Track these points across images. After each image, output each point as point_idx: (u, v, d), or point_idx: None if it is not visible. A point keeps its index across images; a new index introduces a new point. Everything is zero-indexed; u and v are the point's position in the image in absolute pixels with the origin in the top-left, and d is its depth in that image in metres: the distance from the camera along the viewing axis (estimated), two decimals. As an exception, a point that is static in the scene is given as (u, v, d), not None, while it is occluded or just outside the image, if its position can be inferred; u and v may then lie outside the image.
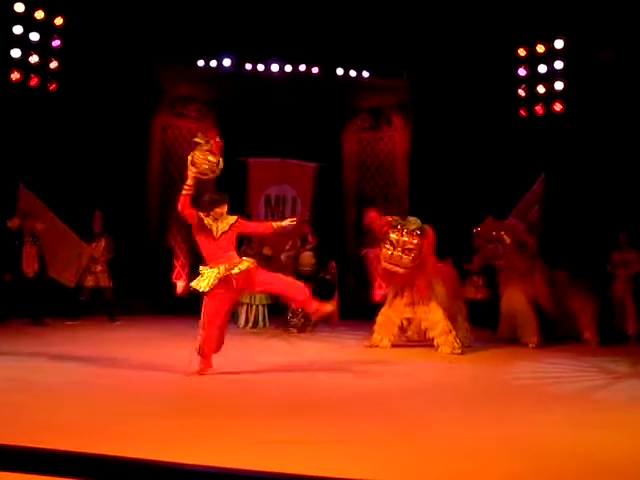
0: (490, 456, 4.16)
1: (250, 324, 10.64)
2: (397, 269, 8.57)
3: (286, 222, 7.02)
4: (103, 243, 10.99)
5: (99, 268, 10.92)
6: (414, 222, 8.70)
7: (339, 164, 14.00)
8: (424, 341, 8.95)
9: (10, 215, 10.48)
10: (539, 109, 12.27)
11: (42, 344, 8.33)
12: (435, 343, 8.60)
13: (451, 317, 8.85)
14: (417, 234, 8.55)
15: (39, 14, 11.64)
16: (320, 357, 8.01)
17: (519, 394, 6.21)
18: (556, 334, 9.79)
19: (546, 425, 4.94)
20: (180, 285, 13.39)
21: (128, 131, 12.46)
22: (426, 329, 8.71)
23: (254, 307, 10.70)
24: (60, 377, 6.26)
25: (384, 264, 8.69)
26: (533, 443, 4.41)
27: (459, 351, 8.40)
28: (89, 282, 10.88)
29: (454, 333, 8.58)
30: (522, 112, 12.47)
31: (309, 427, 4.73)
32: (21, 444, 3.73)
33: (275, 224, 7.09)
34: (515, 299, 9.39)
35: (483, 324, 10.19)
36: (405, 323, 8.95)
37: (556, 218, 10.78)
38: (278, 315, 10.90)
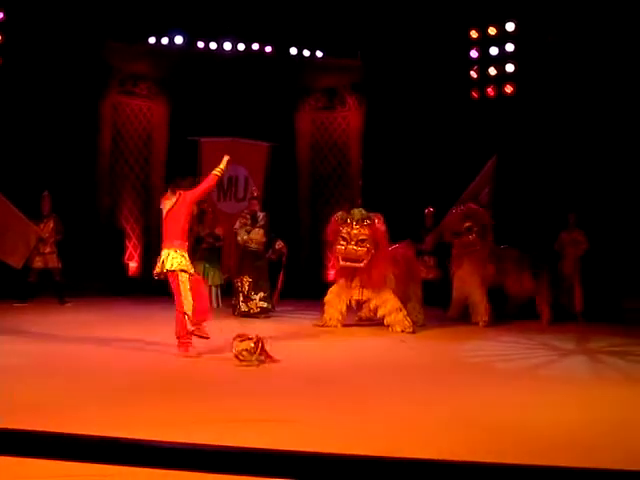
0: (433, 430, 4.25)
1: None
2: (356, 264, 8.60)
3: (224, 163, 7.04)
4: (52, 224, 10.78)
5: (47, 249, 10.72)
6: (359, 213, 8.77)
7: (293, 144, 13.96)
8: (376, 320, 9.04)
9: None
10: (490, 91, 12.40)
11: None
12: (385, 322, 8.70)
13: (405, 298, 8.96)
14: (366, 224, 8.62)
15: (-19, -14, 11.26)
16: (272, 336, 8.03)
17: (468, 371, 6.34)
18: (506, 311, 10.02)
19: (493, 401, 5.07)
20: (132, 266, 13.24)
21: (77, 110, 12.17)
22: (376, 307, 8.80)
23: (208, 288, 10.65)
24: (7, 360, 6.15)
25: (342, 262, 8.74)
26: (478, 418, 4.53)
27: (410, 329, 8.51)
28: (37, 263, 10.67)
29: (404, 312, 8.68)
30: (474, 94, 12.60)
31: (260, 406, 4.75)
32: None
33: (216, 171, 7.07)
34: (468, 278, 9.55)
35: (434, 304, 10.34)
36: (353, 303, 9.01)
37: (507, 199, 10.96)
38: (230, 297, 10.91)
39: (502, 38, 12.31)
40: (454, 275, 9.82)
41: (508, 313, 10.02)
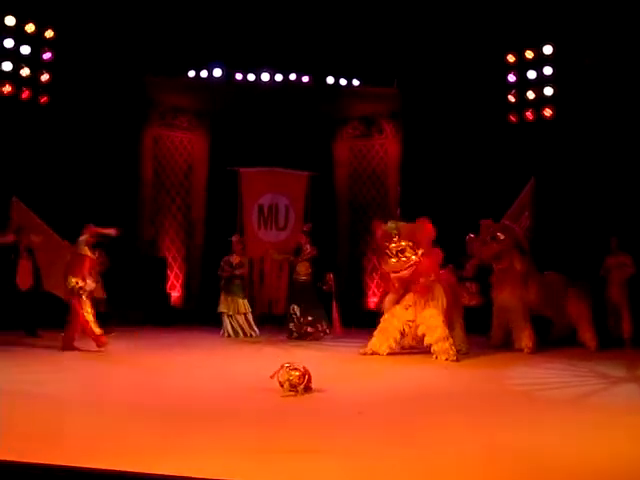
0: (480, 463, 4.18)
1: (232, 334, 10.83)
2: (402, 273, 8.75)
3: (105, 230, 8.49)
4: (96, 255, 10.96)
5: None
6: (390, 225, 8.98)
7: (331, 172, 14.03)
8: (419, 348, 8.97)
9: (3, 228, 10.49)
10: (529, 115, 12.33)
11: (39, 356, 8.33)
12: (432, 350, 8.63)
13: (449, 324, 8.89)
14: (396, 235, 8.80)
15: (30, 27, 11.64)
16: (316, 365, 8.02)
17: (514, 400, 6.23)
18: (550, 338, 9.85)
19: (541, 432, 4.97)
20: (174, 295, 13.38)
21: (119, 143, 12.44)
22: (423, 335, 8.74)
23: (236, 317, 10.94)
24: (58, 389, 6.25)
25: (393, 275, 8.89)
26: (528, 450, 4.43)
27: (454, 358, 8.43)
28: (83, 294, 10.84)
29: (451, 340, 8.61)
30: (512, 118, 12.53)
31: (304, 436, 4.73)
32: (10, 458, 3.73)
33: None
34: (508, 303, 9.43)
35: (477, 331, 10.23)
36: (406, 329, 8.94)
37: (546, 223, 10.83)
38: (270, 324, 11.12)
39: (540, 61, 12.26)
40: (494, 300, 9.71)
41: (552, 339, 9.85)
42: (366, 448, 4.47)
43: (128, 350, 9.20)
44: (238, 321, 10.95)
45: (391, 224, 9.02)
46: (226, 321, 10.94)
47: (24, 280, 10.48)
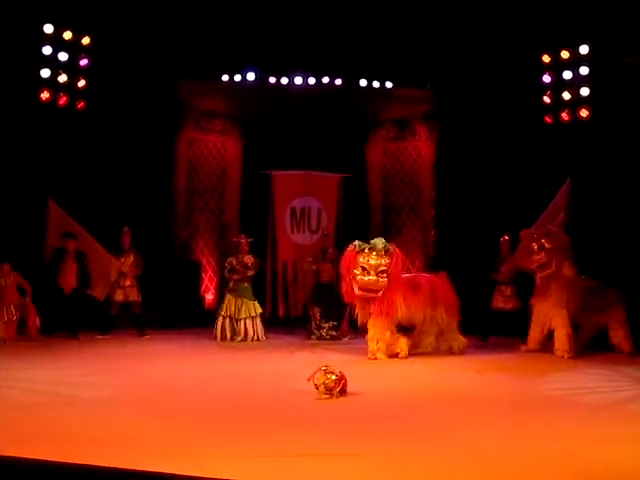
0: (518, 467, 4.13)
1: (228, 338, 10.67)
2: (373, 295, 8.63)
3: None
4: (132, 258, 11.13)
5: (128, 283, 11.07)
6: (381, 243, 8.78)
7: (364, 175, 14.01)
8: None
9: (41, 231, 10.72)
10: (565, 115, 12.15)
11: (75, 358, 8.47)
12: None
13: (430, 325, 9.01)
14: (386, 254, 8.66)
15: (67, 34, 11.82)
16: (350, 368, 8.01)
17: (550, 405, 6.15)
18: (585, 343, 9.68)
19: (578, 439, 4.88)
20: (208, 298, 13.48)
21: (154, 147, 12.58)
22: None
23: (240, 321, 10.76)
24: (94, 392, 6.34)
25: (360, 292, 8.69)
26: (563, 456, 4.37)
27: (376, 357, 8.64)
28: (119, 296, 11.03)
29: (385, 341, 8.76)
30: (547, 119, 12.37)
31: (330, 439, 4.72)
32: (57, 459, 3.79)
33: None
34: (553, 309, 9.20)
35: (513, 334, 10.13)
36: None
37: (582, 225, 10.67)
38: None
39: (575, 61, 12.08)
40: (535, 306, 9.50)
41: (587, 343, 9.67)
42: (397, 450, 4.45)
43: (163, 353, 9.28)
44: (245, 323, 10.71)
45: (378, 241, 8.88)
46: (225, 325, 10.68)
47: (67, 283, 10.67)
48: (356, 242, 8.87)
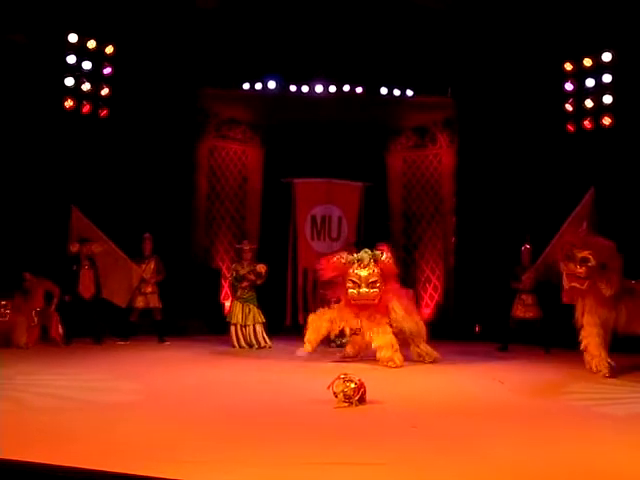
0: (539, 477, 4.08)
1: (245, 345, 10.68)
2: (370, 302, 8.75)
3: None
4: (153, 265, 11.20)
5: (149, 289, 11.14)
6: (367, 255, 8.84)
7: (384, 183, 14.00)
8: (359, 357, 9.13)
9: (64, 238, 10.84)
10: (587, 124, 12.05)
11: (94, 364, 8.52)
12: (377, 356, 8.73)
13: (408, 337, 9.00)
14: (373, 264, 8.73)
15: (91, 43, 11.99)
16: (370, 375, 7.98)
17: (573, 415, 6.07)
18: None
19: (601, 450, 4.80)
20: (228, 305, 13.50)
21: (175, 154, 12.69)
22: (371, 339, 8.80)
23: (248, 327, 10.77)
24: (112, 397, 6.38)
25: (354, 304, 8.80)
26: (583, 466, 4.31)
27: (395, 366, 8.52)
28: (139, 303, 11.10)
29: (396, 347, 8.69)
30: (570, 127, 12.27)
31: (352, 448, 4.70)
32: (72, 464, 3.81)
33: None
34: (586, 325, 8.23)
35: (535, 343, 10.04)
36: (347, 331, 9.06)
37: (606, 234, 10.54)
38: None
39: (598, 69, 11.98)
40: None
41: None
42: (423, 461, 4.41)
43: (182, 359, 9.32)
44: (254, 330, 10.73)
45: (364, 253, 8.91)
46: (238, 332, 10.71)
47: (86, 289, 10.78)
48: (344, 255, 8.97)
